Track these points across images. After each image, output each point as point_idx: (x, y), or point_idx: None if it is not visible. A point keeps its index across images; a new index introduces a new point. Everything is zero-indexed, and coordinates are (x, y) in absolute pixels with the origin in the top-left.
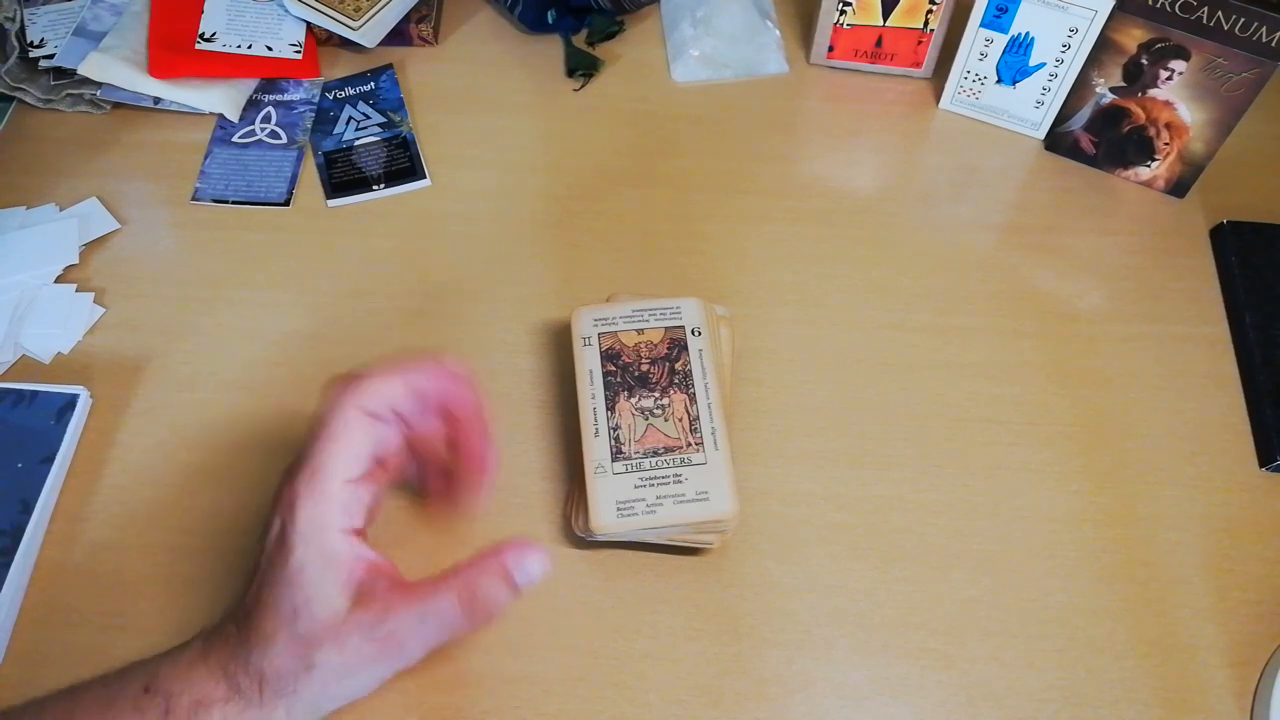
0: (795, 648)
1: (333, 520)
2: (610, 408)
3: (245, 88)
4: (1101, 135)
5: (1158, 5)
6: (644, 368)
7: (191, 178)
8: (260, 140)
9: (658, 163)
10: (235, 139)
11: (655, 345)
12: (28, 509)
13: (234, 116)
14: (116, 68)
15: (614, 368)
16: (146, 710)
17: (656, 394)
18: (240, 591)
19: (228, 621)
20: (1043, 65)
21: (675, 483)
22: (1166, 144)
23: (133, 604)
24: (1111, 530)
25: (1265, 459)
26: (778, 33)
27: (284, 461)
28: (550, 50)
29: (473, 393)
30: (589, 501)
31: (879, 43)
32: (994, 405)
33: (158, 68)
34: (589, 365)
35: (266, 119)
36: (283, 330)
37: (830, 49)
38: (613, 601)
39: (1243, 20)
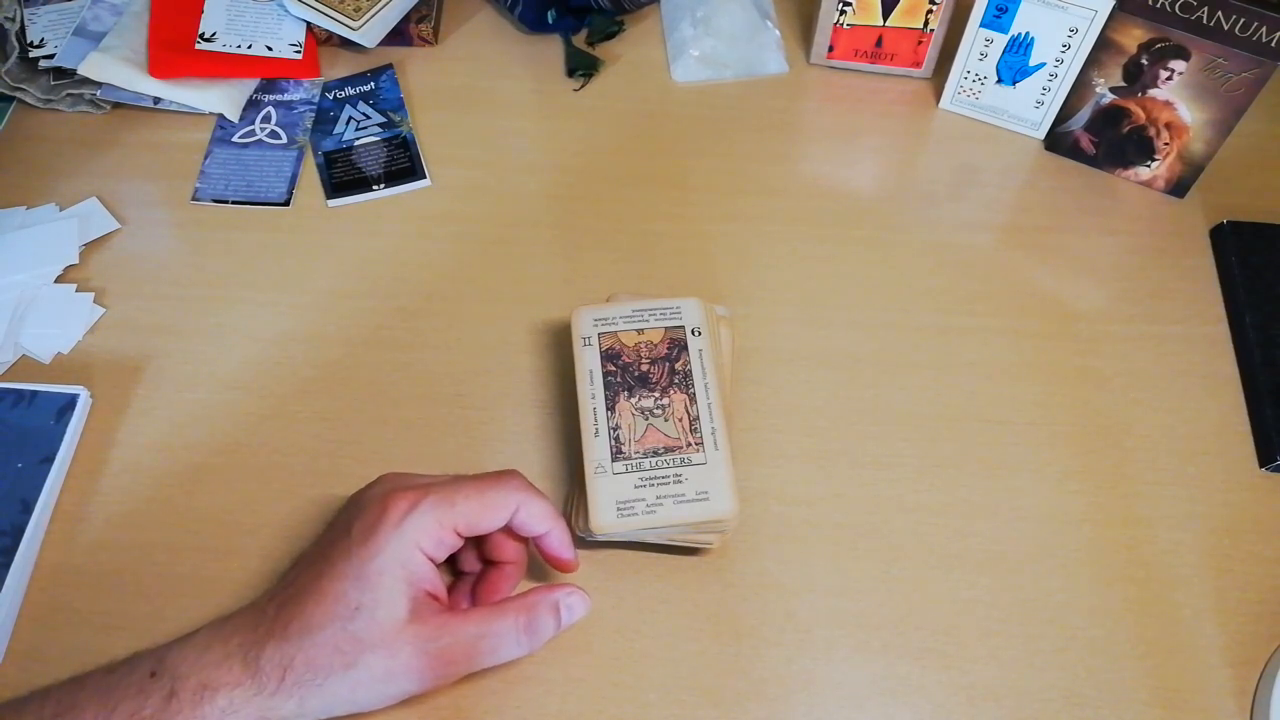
0: (795, 648)
1: (426, 544)
2: (610, 408)
3: (245, 88)
4: (1101, 135)
5: (1158, 5)
6: (644, 368)
7: (191, 178)
8: (260, 140)
9: (658, 163)
10: (235, 139)
11: (655, 345)
12: (28, 509)
13: (234, 116)
14: (116, 68)
15: (614, 368)
16: (151, 693)
17: (656, 394)
18: (255, 587)
19: (264, 603)
20: (1043, 65)
21: (675, 483)
22: (1166, 144)
23: (133, 604)
24: (1111, 530)
25: (1265, 459)
26: (778, 33)
27: (285, 461)
28: (550, 50)
29: (550, 506)
30: (589, 501)
31: (879, 43)
32: (994, 405)
33: (158, 68)
34: (589, 365)
35: (266, 119)
36: (283, 330)
37: (830, 49)
38: (613, 601)
39: (1243, 20)
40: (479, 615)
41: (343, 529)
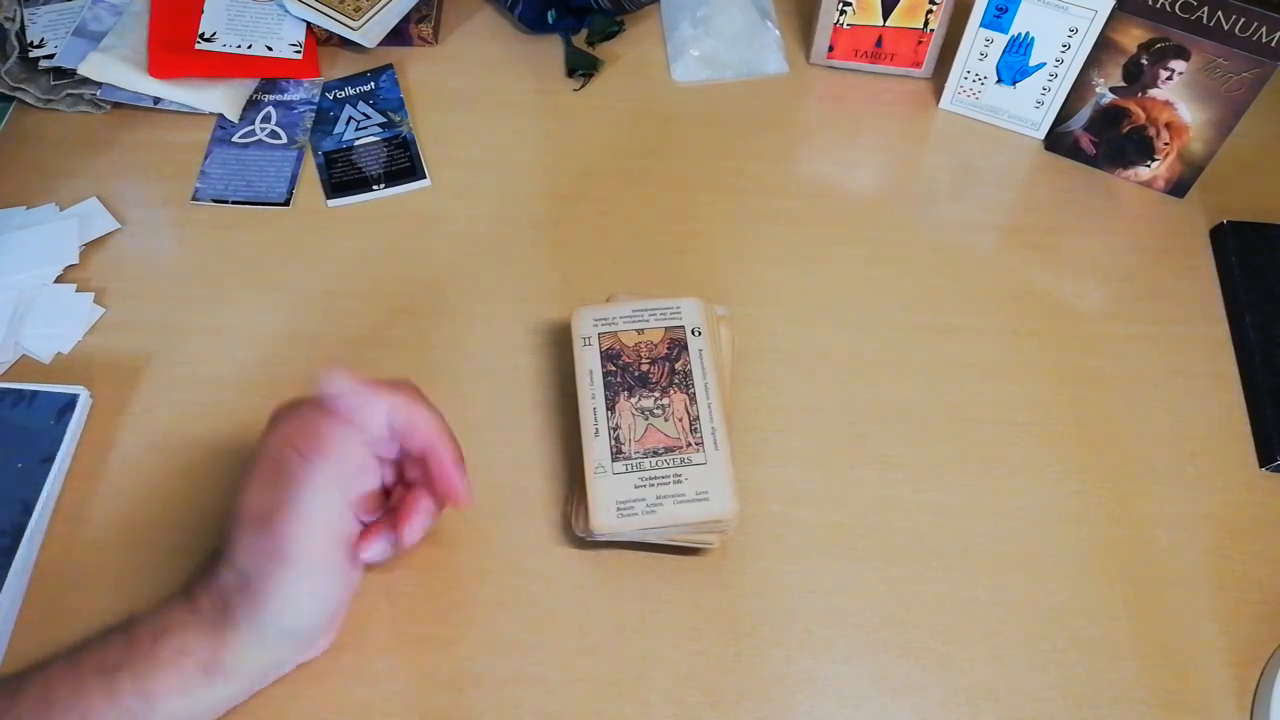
0: (795, 647)
1: (298, 427)
2: (610, 408)
3: (245, 88)
4: (1101, 135)
5: (1158, 5)
6: (644, 368)
7: (191, 178)
8: (260, 140)
9: (658, 163)
10: (235, 139)
11: (655, 345)
12: (28, 509)
13: (234, 116)
14: (116, 68)
15: (614, 368)
16: (112, 644)
17: (656, 394)
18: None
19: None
20: (1043, 65)
21: (675, 483)
22: (1166, 144)
23: (133, 604)
24: (1111, 530)
25: (1265, 459)
26: (778, 33)
27: None
28: (550, 50)
29: (435, 419)
30: (589, 501)
31: (879, 43)
32: (994, 405)
33: (158, 68)
34: (589, 365)
35: (266, 119)
36: (283, 330)
37: (830, 49)
38: (613, 601)
39: (1243, 20)
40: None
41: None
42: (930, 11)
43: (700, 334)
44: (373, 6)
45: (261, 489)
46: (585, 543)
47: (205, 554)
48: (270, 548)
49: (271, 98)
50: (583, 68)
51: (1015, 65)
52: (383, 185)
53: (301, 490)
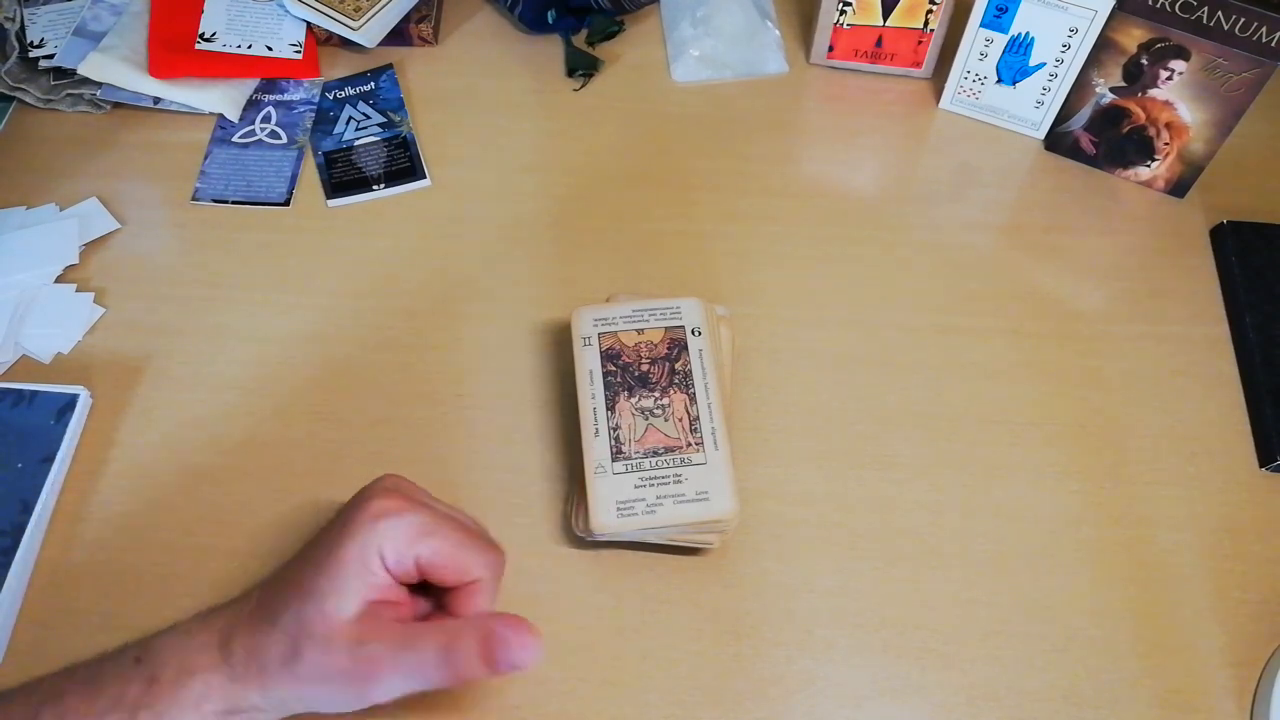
0: (795, 648)
1: (389, 553)
2: (610, 408)
3: (245, 88)
4: (1101, 135)
5: (1158, 5)
6: (644, 368)
7: (191, 178)
8: (260, 140)
9: (658, 163)
10: (235, 139)
11: (655, 345)
12: (28, 509)
13: (234, 116)
14: (116, 68)
15: (614, 368)
16: (133, 679)
17: (656, 394)
18: (245, 588)
19: (253, 590)
20: (1043, 65)
21: (675, 483)
22: (1166, 144)
23: (132, 604)
24: (1111, 530)
25: (1265, 459)
26: (778, 33)
27: (285, 461)
28: (550, 50)
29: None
30: (589, 501)
31: (879, 43)
32: (994, 405)
33: (158, 68)
34: (589, 365)
35: (266, 119)
36: (283, 330)
37: (830, 49)
38: (613, 601)
39: (1243, 20)
40: (403, 632)
41: (334, 517)
42: (930, 11)
43: (700, 334)
44: (373, 6)
45: (309, 565)
46: (585, 543)
47: (245, 589)
48: (296, 639)
49: (271, 98)
50: (583, 68)
51: (1015, 65)
52: (383, 185)
53: (337, 582)
